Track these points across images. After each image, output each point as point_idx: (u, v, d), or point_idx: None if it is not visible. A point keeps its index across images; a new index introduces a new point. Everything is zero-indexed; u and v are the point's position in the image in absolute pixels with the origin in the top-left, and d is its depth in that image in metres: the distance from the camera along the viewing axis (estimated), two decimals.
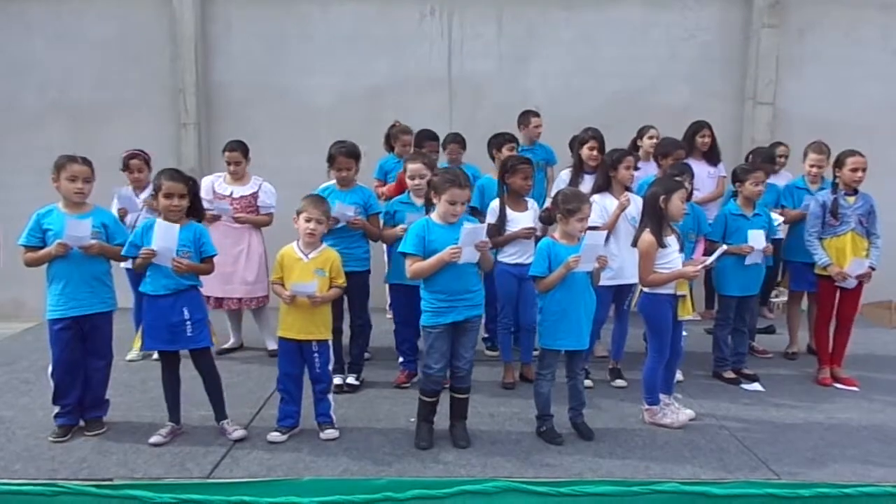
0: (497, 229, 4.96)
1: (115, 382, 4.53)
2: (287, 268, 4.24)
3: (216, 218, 5.63)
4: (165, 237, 3.99)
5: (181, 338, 4.15)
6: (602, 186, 5.09)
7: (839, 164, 5.24)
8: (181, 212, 4.14)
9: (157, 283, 4.11)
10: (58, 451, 4.03)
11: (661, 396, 4.54)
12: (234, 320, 5.97)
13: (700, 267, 4.44)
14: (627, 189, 5.11)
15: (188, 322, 4.13)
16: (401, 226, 4.86)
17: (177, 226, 4.05)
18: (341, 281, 4.33)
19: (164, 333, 4.13)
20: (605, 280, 4.82)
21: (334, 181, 5.07)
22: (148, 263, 4.06)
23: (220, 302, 5.67)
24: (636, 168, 5.81)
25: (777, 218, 5.63)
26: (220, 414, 4.31)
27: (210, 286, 5.43)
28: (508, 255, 5.00)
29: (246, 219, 5.66)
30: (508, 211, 4.99)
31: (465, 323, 4.10)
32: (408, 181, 5.00)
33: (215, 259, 4.31)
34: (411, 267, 4.07)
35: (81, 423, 4.30)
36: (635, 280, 5.00)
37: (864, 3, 7.71)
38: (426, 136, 6.22)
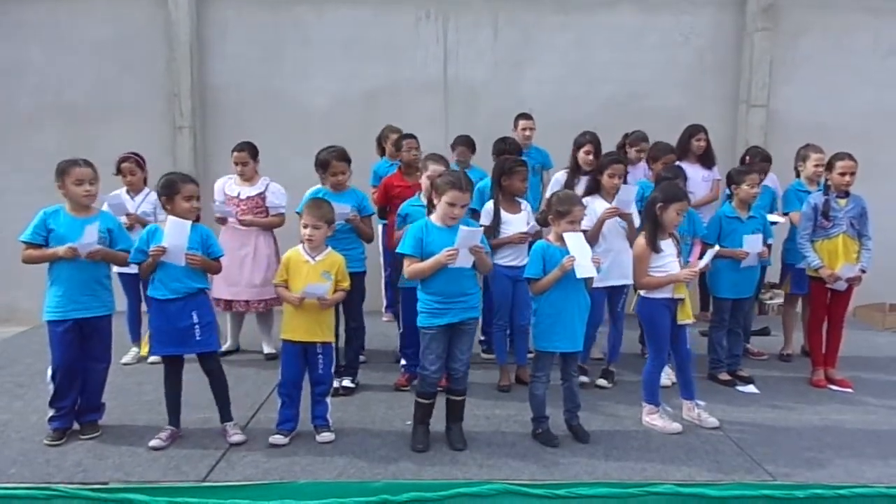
0: (491, 231, 4.98)
1: (109, 386, 4.51)
2: (293, 271, 4.24)
3: (223, 220, 5.64)
4: (178, 234, 3.99)
5: (190, 342, 4.14)
6: (592, 189, 5.12)
7: (829, 167, 5.28)
8: (196, 213, 4.18)
9: (166, 287, 4.10)
10: (53, 454, 4.02)
11: (686, 402, 4.58)
12: (235, 323, 5.96)
13: (692, 270, 4.47)
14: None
15: (197, 326, 4.13)
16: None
17: (188, 222, 4.06)
18: (346, 284, 4.35)
19: (173, 338, 4.12)
20: (597, 282, 4.84)
21: (327, 185, 5.07)
22: (156, 265, 4.06)
23: (229, 305, 5.69)
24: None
25: (778, 219, 5.65)
26: (226, 416, 4.30)
27: (218, 289, 5.47)
28: (503, 258, 5.01)
29: (251, 221, 5.64)
30: (503, 213, 5.00)
31: (461, 325, 4.12)
32: (424, 182, 4.90)
33: (222, 261, 4.35)
34: (409, 268, 4.10)
35: (76, 426, 4.29)
36: (626, 281, 5.04)
37: (856, 8, 7.76)
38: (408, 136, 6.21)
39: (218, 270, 4.35)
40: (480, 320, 5.88)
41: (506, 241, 4.97)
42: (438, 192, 4.08)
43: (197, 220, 4.25)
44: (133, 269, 5.48)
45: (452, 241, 3.96)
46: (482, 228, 4.12)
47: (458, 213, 4.05)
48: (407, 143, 5.97)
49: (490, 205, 5.06)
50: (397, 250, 4.28)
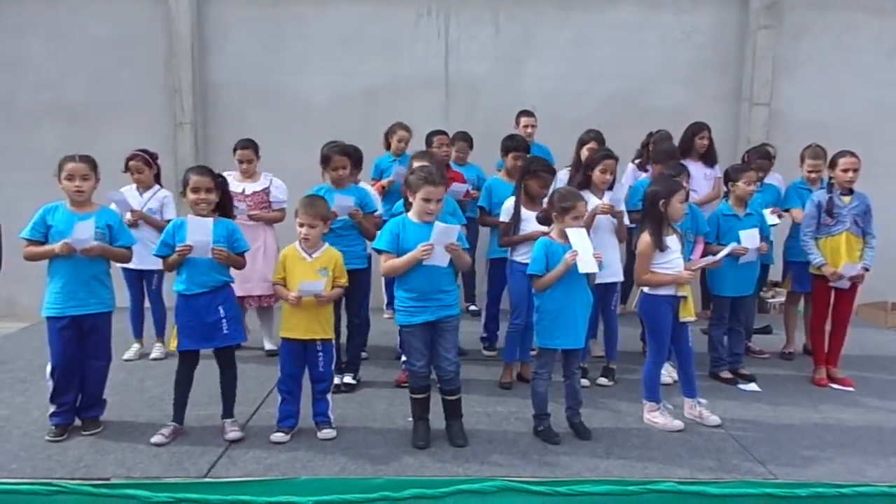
0: (512, 228, 4.96)
1: (111, 381, 4.51)
2: (290, 268, 4.23)
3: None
4: (200, 231, 4.01)
5: (218, 335, 4.15)
6: (582, 184, 5.08)
7: (832, 164, 5.27)
8: (209, 206, 4.14)
9: (192, 280, 4.09)
10: (54, 450, 4.01)
11: (687, 400, 4.58)
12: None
13: (691, 274, 4.46)
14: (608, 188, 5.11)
15: (224, 320, 4.14)
16: None
17: (210, 219, 4.07)
18: (344, 280, 4.34)
19: (201, 332, 4.12)
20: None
21: (328, 181, 5.07)
22: (182, 261, 4.06)
23: (240, 300, 5.67)
24: (644, 169, 5.78)
25: (773, 219, 5.64)
26: (228, 412, 4.29)
27: None
28: (522, 254, 4.95)
29: (260, 216, 5.67)
30: (523, 210, 4.97)
31: (439, 323, 4.10)
32: None
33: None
34: (385, 264, 4.10)
35: (77, 421, 4.28)
36: (615, 279, 5.02)
37: (858, 6, 7.77)
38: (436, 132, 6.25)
39: (242, 265, 4.32)
40: (484, 317, 5.92)
41: (528, 237, 4.92)
42: (412, 190, 4.07)
43: (215, 212, 4.21)
44: (135, 265, 5.50)
45: (429, 237, 3.95)
46: (459, 226, 4.10)
47: (434, 209, 4.04)
48: (438, 139, 5.97)
49: (511, 201, 5.03)
50: (373, 245, 4.26)
